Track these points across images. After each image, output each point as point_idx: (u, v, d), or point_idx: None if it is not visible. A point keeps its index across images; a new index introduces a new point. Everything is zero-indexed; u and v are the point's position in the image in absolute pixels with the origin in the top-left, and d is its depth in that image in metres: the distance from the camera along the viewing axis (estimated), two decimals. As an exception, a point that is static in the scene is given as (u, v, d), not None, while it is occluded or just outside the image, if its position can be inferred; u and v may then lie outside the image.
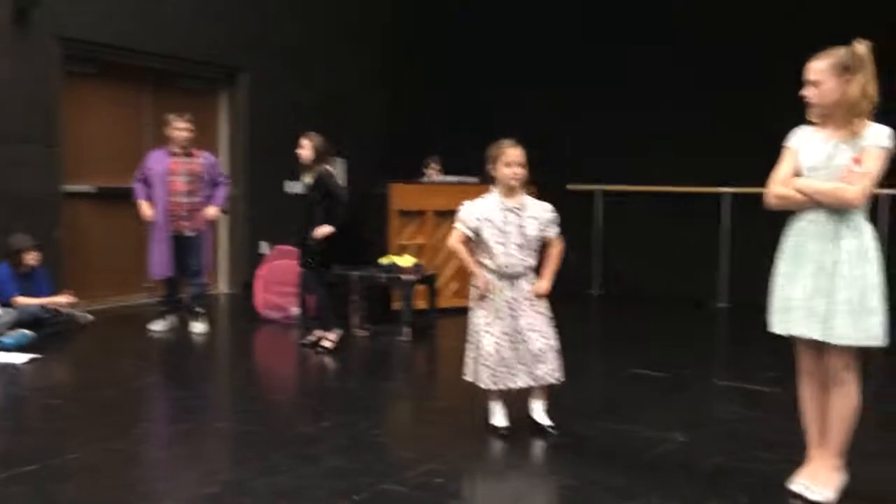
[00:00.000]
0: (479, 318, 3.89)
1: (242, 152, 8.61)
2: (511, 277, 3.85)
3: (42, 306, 6.12)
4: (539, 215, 3.91)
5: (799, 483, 3.20)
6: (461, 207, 3.92)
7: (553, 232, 3.94)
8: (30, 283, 6.19)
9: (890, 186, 6.85)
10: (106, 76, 7.54)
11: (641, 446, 3.81)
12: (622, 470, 3.49)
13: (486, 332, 3.85)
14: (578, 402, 4.48)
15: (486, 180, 3.96)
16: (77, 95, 7.24)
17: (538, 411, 3.98)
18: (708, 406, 4.63)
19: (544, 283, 3.91)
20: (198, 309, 6.49)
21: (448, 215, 7.35)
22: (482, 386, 3.88)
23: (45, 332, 6.01)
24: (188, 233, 6.34)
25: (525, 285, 3.88)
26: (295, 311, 6.77)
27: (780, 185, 3.14)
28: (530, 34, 9.21)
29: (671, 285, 8.67)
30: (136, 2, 7.41)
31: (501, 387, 3.86)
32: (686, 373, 5.29)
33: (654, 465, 3.58)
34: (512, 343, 3.84)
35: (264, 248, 8.34)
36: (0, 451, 3.68)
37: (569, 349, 4.10)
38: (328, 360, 5.67)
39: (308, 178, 5.81)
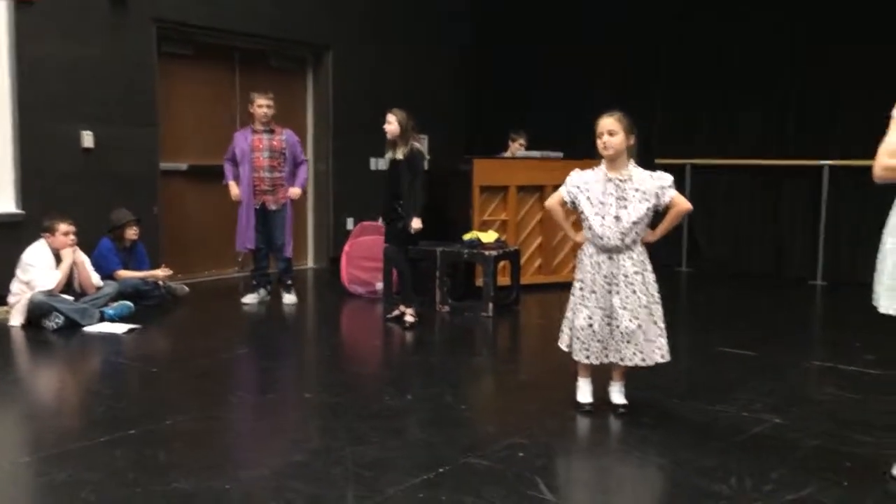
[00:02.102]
0: (576, 290, 3.84)
1: (328, 129, 8.73)
2: (609, 251, 3.75)
3: (142, 279, 6.40)
4: (646, 187, 3.70)
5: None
6: (570, 174, 3.87)
7: (668, 196, 3.70)
8: (130, 256, 6.48)
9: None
10: (199, 57, 7.76)
11: (734, 427, 3.70)
12: (714, 451, 3.39)
13: (582, 305, 3.79)
14: (666, 380, 4.38)
15: (592, 154, 3.85)
16: (171, 76, 7.48)
17: (614, 392, 3.94)
18: (802, 387, 4.47)
19: (651, 236, 3.82)
20: (288, 282, 6.68)
21: (531, 191, 7.33)
22: (575, 358, 3.86)
23: (145, 303, 6.30)
24: (272, 207, 6.51)
25: (626, 262, 3.74)
26: (379, 286, 6.87)
27: (888, 157, 2.96)
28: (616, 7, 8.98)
29: (762, 262, 8.40)
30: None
31: (593, 361, 3.81)
32: (778, 352, 5.12)
33: (747, 446, 3.47)
34: (605, 319, 3.77)
35: (349, 223, 8.47)
36: (102, 415, 3.86)
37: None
38: (412, 335, 5.73)
39: (399, 154, 5.81)
